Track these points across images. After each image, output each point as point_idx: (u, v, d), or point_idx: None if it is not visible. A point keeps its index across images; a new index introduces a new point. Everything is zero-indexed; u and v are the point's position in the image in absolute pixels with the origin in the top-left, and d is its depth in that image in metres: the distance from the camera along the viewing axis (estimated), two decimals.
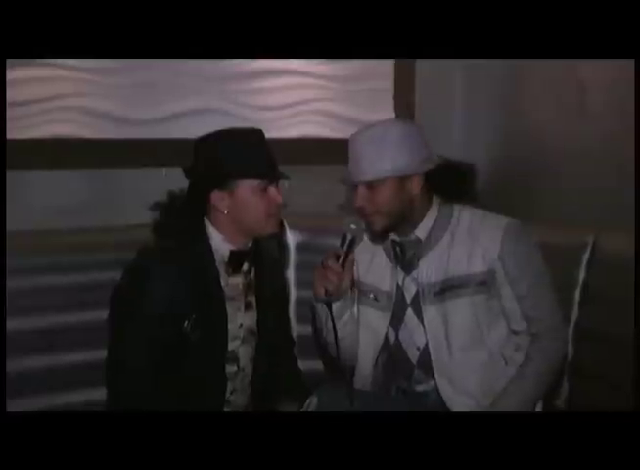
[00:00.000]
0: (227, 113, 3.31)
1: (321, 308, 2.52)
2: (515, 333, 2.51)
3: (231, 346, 2.46)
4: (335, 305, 2.48)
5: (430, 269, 2.49)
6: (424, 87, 3.68)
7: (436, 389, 2.51)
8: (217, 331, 2.44)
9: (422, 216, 2.51)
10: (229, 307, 2.45)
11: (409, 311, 2.54)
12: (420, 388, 2.56)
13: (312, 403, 2.43)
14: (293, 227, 3.14)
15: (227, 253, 2.45)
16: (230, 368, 2.47)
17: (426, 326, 2.50)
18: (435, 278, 2.49)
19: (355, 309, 2.61)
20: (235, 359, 2.48)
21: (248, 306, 2.51)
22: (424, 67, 3.63)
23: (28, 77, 3.00)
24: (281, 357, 2.67)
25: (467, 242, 2.48)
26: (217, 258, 2.45)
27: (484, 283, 2.47)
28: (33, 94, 3.02)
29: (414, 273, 2.53)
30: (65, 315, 2.77)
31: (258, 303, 2.53)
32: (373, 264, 2.60)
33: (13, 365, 2.62)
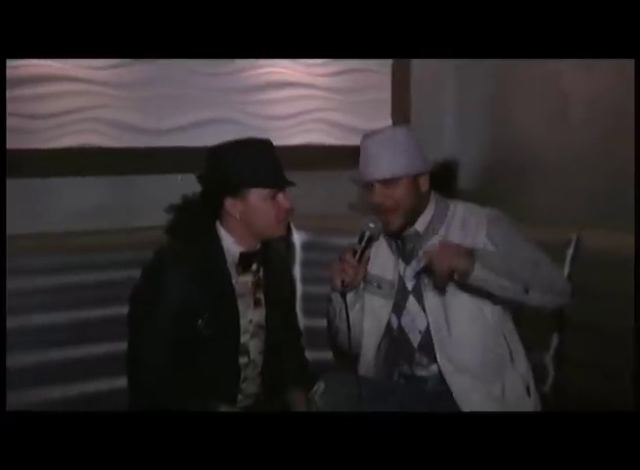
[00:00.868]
0: (237, 122, 3.34)
1: (336, 298, 2.56)
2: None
3: (242, 339, 2.51)
4: (349, 296, 2.51)
5: None
6: (419, 97, 3.72)
7: (436, 373, 2.54)
8: (230, 326, 2.48)
9: (421, 211, 2.56)
10: (240, 304, 2.50)
11: (411, 298, 2.58)
12: (420, 373, 2.59)
13: (319, 389, 2.46)
14: (298, 228, 3.18)
15: (237, 254, 2.50)
16: (241, 360, 2.52)
17: (427, 310, 2.52)
18: None
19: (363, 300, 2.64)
20: (246, 352, 2.53)
21: (257, 303, 2.56)
22: (419, 78, 3.67)
23: (56, 91, 3.04)
24: (289, 349, 2.70)
25: (459, 232, 2.52)
26: (228, 258, 2.49)
27: None
28: (59, 107, 3.05)
29: (414, 263, 2.56)
30: (86, 311, 2.79)
31: (267, 299, 2.58)
32: (377, 256, 2.63)
33: (38, 357, 2.69)
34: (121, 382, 2.57)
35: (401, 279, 2.59)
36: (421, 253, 2.51)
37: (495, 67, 3.47)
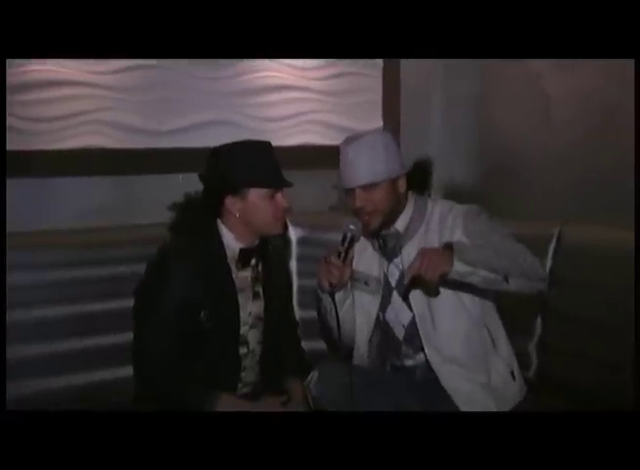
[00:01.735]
0: (236, 124, 3.35)
1: (325, 299, 2.57)
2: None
3: (242, 331, 2.53)
4: (337, 296, 2.54)
5: (411, 256, 2.49)
6: (408, 98, 3.73)
7: (424, 362, 2.56)
8: (230, 319, 2.50)
9: (400, 211, 2.58)
10: (240, 298, 2.52)
11: (394, 294, 2.60)
12: (409, 363, 2.62)
13: (314, 378, 2.49)
14: (295, 224, 3.20)
15: (237, 250, 2.52)
16: (241, 350, 2.54)
17: (412, 304, 2.54)
18: None
19: (352, 296, 2.65)
20: (245, 342, 2.55)
21: (255, 296, 2.57)
22: (408, 80, 3.69)
23: (61, 96, 3.05)
24: (286, 339, 2.72)
25: (438, 228, 2.54)
26: (229, 254, 2.51)
27: None
28: (64, 110, 3.07)
29: (396, 261, 2.59)
30: (90, 304, 2.81)
31: (265, 292, 2.59)
32: (363, 255, 2.65)
33: (45, 348, 2.71)
34: (125, 371, 2.60)
35: (385, 276, 2.62)
36: (404, 250, 2.54)
37: (482, 67, 3.49)
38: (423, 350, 2.54)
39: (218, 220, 2.52)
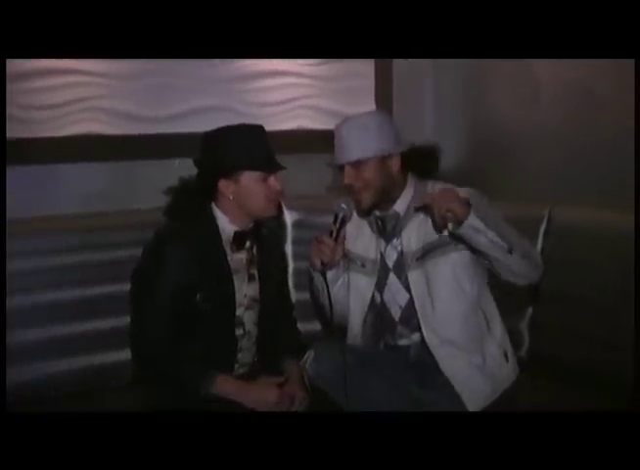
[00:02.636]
0: (231, 109, 3.32)
1: (317, 277, 2.58)
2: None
3: (237, 312, 2.52)
4: (329, 274, 2.55)
5: (410, 239, 2.53)
6: (400, 83, 3.70)
7: (419, 342, 2.54)
8: (226, 300, 2.49)
9: (399, 194, 2.55)
10: (235, 280, 2.51)
11: (391, 275, 2.58)
12: (403, 342, 2.60)
13: (310, 357, 2.48)
14: (289, 207, 3.18)
15: (232, 233, 2.51)
16: (237, 331, 2.53)
17: (411, 287, 2.52)
18: (416, 246, 2.52)
19: (346, 276, 2.63)
20: (241, 324, 2.54)
21: (251, 278, 2.56)
22: (400, 65, 3.66)
23: (60, 84, 3.02)
24: (282, 320, 2.71)
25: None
26: (223, 237, 2.50)
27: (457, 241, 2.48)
28: (63, 98, 3.04)
29: (394, 242, 2.57)
30: (90, 289, 2.77)
31: (260, 274, 2.58)
32: (360, 236, 2.64)
33: (46, 332, 2.69)
34: (125, 354, 2.58)
35: (382, 258, 2.60)
36: (403, 233, 2.53)
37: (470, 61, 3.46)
38: (419, 330, 2.53)
39: (213, 204, 2.51)
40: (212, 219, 2.49)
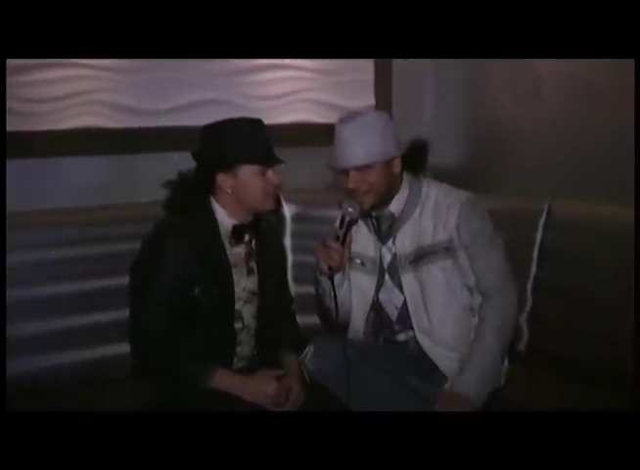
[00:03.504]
0: (231, 102, 3.30)
1: (324, 282, 2.56)
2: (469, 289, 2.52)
3: (236, 306, 2.49)
4: (336, 278, 2.52)
5: (405, 241, 2.52)
6: (400, 77, 3.67)
7: (415, 338, 2.53)
8: (225, 294, 2.46)
9: (395, 193, 2.53)
10: (234, 273, 2.48)
11: (386, 276, 2.58)
12: (401, 337, 2.59)
13: (309, 352, 2.46)
14: (288, 201, 3.16)
15: (230, 226, 2.48)
16: (236, 325, 2.50)
17: (404, 290, 2.52)
18: (410, 248, 2.52)
19: (350, 278, 2.63)
20: (240, 317, 2.51)
21: (250, 272, 2.53)
22: (400, 60, 3.62)
23: (59, 77, 2.99)
24: (281, 313, 2.67)
25: (433, 214, 2.50)
26: (222, 231, 2.47)
27: (448, 249, 2.49)
28: (64, 90, 3.01)
29: (389, 244, 2.56)
30: (90, 282, 2.76)
31: (259, 268, 2.55)
32: (358, 235, 2.60)
33: (48, 325, 2.67)
34: (125, 347, 2.53)
35: (380, 257, 2.59)
36: (398, 234, 2.51)
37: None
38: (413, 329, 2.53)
39: (211, 197, 2.48)
40: (211, 213, 2.46)
